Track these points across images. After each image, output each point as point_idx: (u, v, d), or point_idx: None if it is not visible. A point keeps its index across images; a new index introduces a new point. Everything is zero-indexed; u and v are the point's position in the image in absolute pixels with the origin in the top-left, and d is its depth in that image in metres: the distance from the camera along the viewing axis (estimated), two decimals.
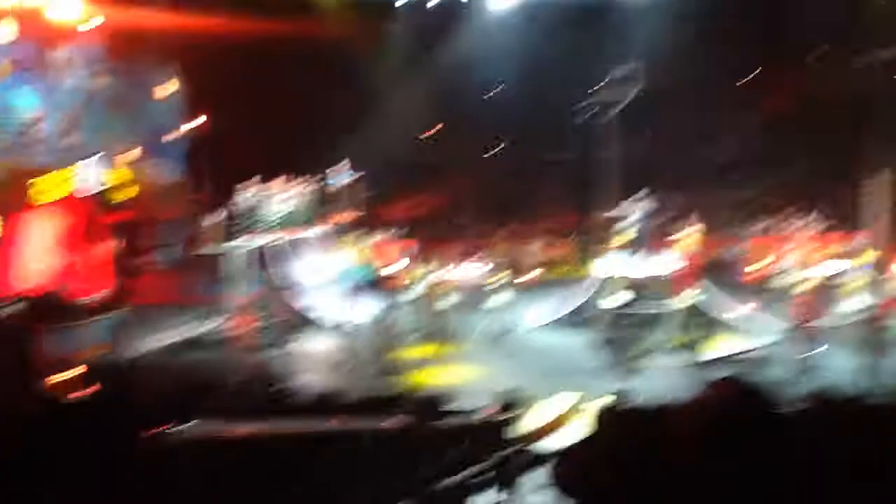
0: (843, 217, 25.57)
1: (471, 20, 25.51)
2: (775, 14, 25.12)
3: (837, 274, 17.85)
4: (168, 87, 24.29)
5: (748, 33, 26.20)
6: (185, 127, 24.98)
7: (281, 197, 19.00)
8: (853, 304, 15.45)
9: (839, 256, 20.24)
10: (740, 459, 1.34)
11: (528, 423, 8.37)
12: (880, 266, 20.67)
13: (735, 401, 1.33)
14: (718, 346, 14.67)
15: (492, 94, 30.12)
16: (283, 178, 19.15)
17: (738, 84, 28.63)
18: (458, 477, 5.56)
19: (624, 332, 15.35)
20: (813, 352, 12.98)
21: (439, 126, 30.55)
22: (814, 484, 2.11)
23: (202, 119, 26.83)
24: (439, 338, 14.72)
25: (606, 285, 17.16)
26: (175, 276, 23.67)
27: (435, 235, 28.14)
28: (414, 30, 25.69)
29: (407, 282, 18.48)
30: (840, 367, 12.89)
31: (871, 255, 22.47)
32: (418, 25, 25.69)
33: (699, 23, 24.83)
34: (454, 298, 16.55)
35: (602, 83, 25.80)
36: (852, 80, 24.53)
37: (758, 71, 28.62)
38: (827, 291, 16.53)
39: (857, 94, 24.37)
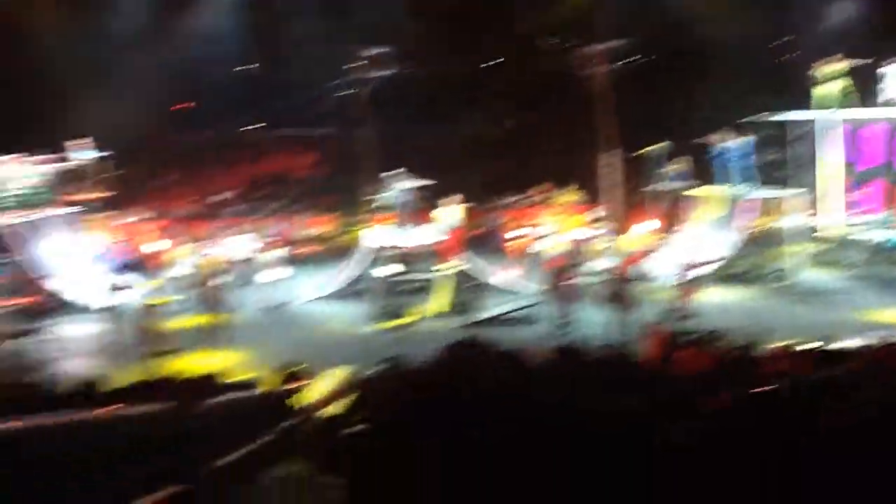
0: (587, 188, 28.13)
1: None
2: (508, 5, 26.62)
3: (584, 239, 19.54)
4: None
5: (491, 20, 27.61)
6: None
7: (16, 175, 17.26)
8: (599, 264, 17.05)
9: (585, 223, 22.20)
10: (474, 413, 1.46)
11: (303, 397, 8.47)
12: (619, 230, 22.97)
13: (468, 359, 1.46)
14: (485, 309, 15.60)
15: (246, 68, 29.35)
16: (13, 155, 17.35)
17: (484, 67, 30.16)
18: (238, 454, 5.52)
19: (396, 300, 15.83)
20: (567, 309, 14.19)
21: (192, 102, 29.24)
22: (560, 433, 2.33)
23: None
24: (209, 316, 14.26)
25: (377, 256, 17.53)
26: None
27: (200, 212, 27.16)
28: None
29: (171, 260, 17.70)
30: (591, 322, 14.25)
31: (611, 222, 24.95)
32: None
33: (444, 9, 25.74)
34: (223, 275, 16.10)
35: (357, 62, 26.18)
36: (584, 65, 26.76)
37: (501, 56, 30.34)
38: (576, 255, 18.07)
39: (590, 77, 26.68)
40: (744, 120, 19.90)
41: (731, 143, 19.03)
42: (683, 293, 14.53)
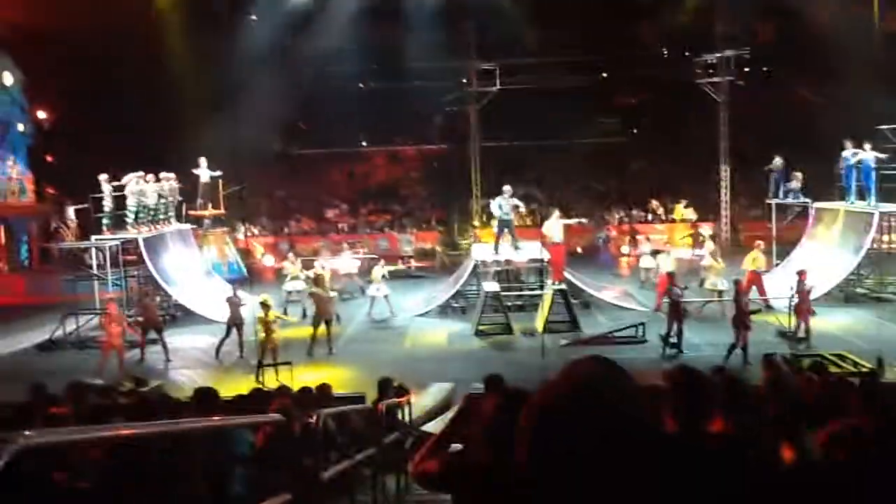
0: (704, 202, 27.28)
1: (328, 14, 25.05)
2: (624, 15, 26.28)
3: (698, 256, 18.90)
4: (6, 79, 22.96)
5: (601, 34, 27.18)
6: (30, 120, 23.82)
7: (142, 191, 18.13)
8: (713, 283, 16.41)
9: (700, 239, 21.46)
10: (599, 436, 1.37)
11: (408, 410, 8.56)
12: (736, 246, 22.13)
13: (594, 378, 1.39)
14: (591, 326, 15.34)
15: (359, 86, 30.05)
16: (139, 173, 18.23)
17: (595, 82, 29.61)
18: (344, 464, 5.63)
19: (499, 315, 15.74)
20: (678, 329, 13.73)
21: (305, 119, 30.18)
22: (673, 454, 2.26)
23: (46, 113, 25.58)
24: (318, 329, 14.61)
25: (482, 271, 17.53)
26: (29, 273, 22.48)
27: (309, 227, 27.98)
28: (272, 22, 24.96)
29: (284, 274, 18.25)
30: (704, 343, 13.78)
31: (727, 237, 24.09)
32: (276, 16, 24.98)
33: (550, 25, 25.58)
34: (332, 289, 16.48)
35: (464, 79, 26.41)
36: (697, 78, 25.79)
37: (610, 71, 29.71)
38: (689, 272, 17.53)
39: (703, 92, 25.75)
40: (880, 128, 18.68)
41: (858, 155, 17.90)
42: (803, 314, 13.78)
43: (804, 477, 2.75)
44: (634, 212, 26.56)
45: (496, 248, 17.65)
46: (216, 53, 23.42)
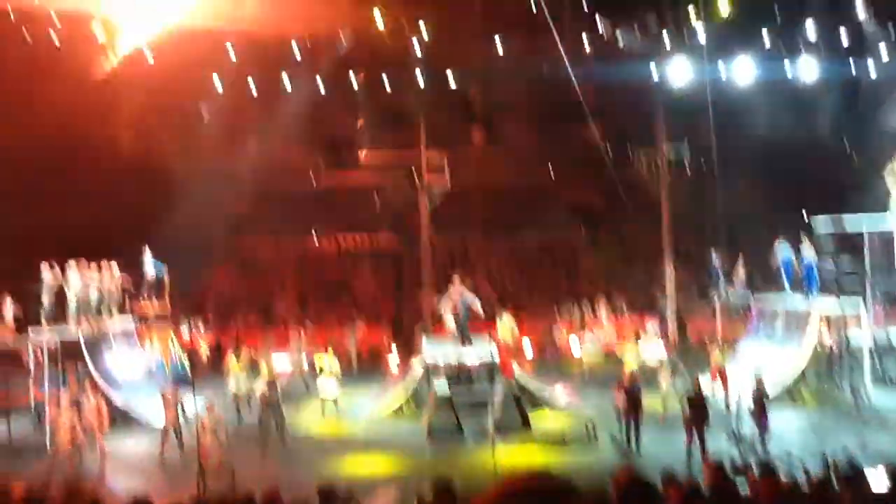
0: (645, 301, 27.52)
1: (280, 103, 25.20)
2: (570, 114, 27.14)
3: (649, 354, 18.87)
4: None
5: (548, 132, 27.93)
6: None
7: (83, 285, 17.54)
8: (664, 381, 16.40)
9: (649, 338, 21.52)
10: None
11: None
12: (684, 343, 22.26)
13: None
14: (542, 428, 15.21)
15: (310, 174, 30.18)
16: (81, 265, 17.65)
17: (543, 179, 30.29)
18: None
19: (450, 416, 15.50)
20: (631, 431, 13.67)
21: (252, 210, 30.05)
22: None
23: None
24: (267, 430, 14.16)
25: (433, 371, 17.30)
26: None
27: (253, 324, 27.37)
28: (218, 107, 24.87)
29: (227, 372, 17.73)
30: (658, 444, 13.69)
31: (676, 334, 24.26)
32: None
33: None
34: (278, 388, 16.03)
35: (413, 169, 26.57)
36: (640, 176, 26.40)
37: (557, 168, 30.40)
38: (637, 370, 17.54)
39: (646, 189, 26.31)
40: (818, 225, 19.22)
41: (800, 251, 18.37)
42: (753, 414, 13.79)
43: None
44: (586, 308, 26.70)
45: (448, 347, 17.51)
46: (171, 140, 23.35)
